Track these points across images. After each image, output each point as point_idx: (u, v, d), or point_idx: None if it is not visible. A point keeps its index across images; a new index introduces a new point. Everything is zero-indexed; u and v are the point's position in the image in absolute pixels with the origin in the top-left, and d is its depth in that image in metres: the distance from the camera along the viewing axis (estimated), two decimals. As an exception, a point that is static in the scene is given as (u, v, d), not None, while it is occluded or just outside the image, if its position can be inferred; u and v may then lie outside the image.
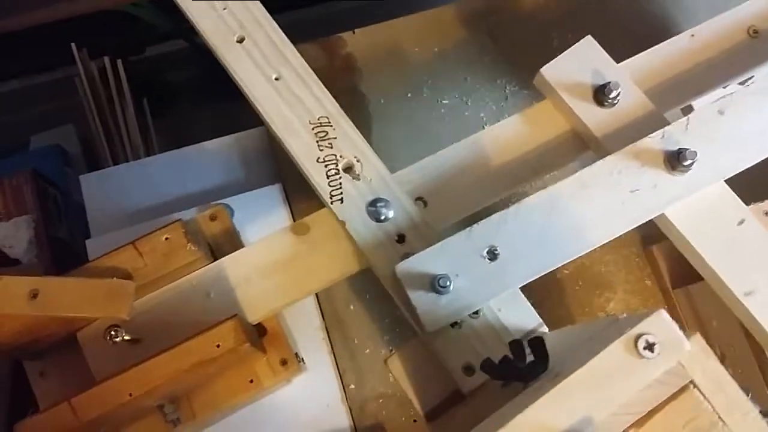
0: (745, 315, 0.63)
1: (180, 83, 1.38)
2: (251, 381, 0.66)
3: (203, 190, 0.87)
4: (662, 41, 0.74)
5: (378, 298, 0.81)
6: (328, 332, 0.81)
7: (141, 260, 0.59)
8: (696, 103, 0.77)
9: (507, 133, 0.71)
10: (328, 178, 0.66)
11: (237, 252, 0.67)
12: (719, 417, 0.41)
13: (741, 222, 0.64)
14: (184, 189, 0.87)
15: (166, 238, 0.60)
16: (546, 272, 0.60)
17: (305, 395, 0.77)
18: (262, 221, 0.82)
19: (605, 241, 0.62)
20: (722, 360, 0.78)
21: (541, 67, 0.71)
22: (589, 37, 0.72)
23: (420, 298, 0.58)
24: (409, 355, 0.61)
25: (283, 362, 0.67)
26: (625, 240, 0.85)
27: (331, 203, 0.66)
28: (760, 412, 0.48)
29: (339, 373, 0.80)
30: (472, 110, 0.90)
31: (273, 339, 0.68)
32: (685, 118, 0.65)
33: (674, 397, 0.41)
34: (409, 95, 0.92)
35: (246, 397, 0.66)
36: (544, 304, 0.80)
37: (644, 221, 0.63)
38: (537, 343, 0.46)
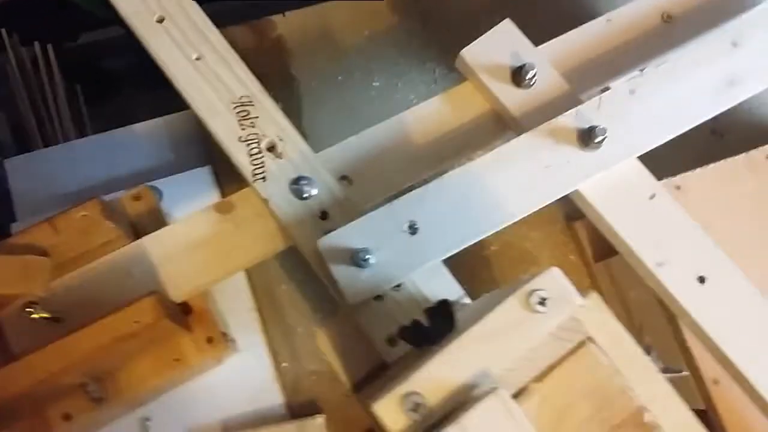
0: (657, 285, 0.65)
1: (118, 70, 1.36)
2: (177, 359, 0.66)
3: (132, 173, 0.86)
4: (583, 25, 0.77)
5: (309, 276, 0.81)
6: (260, 312, 0.82)
7: (57, 237, 0.59)
8: (613, 85, 0.80)
9: (430, 114, 0.72)
10: (250, 156, 0.67)
11: (159, 230, 0.66)
12: (617, 370, 0.43)
13: (652, 196, 0.67)
14: (113, 172, 0.86)
15: (83, 215, 0.60)
16: (465, 245, 0.62)
17: (238, 375, 0.78)
18: (192, 203, 0.81)
19: (521, 216, 0.64)
20: (640, 329, 0.82)
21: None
22: (507, 20, 0.74)
23: (341, 272, 0.59)
24: (336, 329, 0.62)
25: (209, 340, 0.68)
26: (549, 217, 0.87)
27: (254, 182, 0.66)
28: (662, 369, 0.50)
29: (272, 352, 0.81)
30: (403, 92, 0.92)
31: (199, 317, 0.68)
32: (598, 97, 0.67)
33: (572, 352, 0.43)
34: (341, 78, 0.92)
35: (172, 375, 0.66)
36: (473, 281, 0.82)
37: (559, 196, 0.65)
38: (443, 306, 0.48)
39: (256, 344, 0.79)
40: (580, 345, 0.43)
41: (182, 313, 0.67)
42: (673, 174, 0.78)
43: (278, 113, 0.69)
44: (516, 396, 0.41)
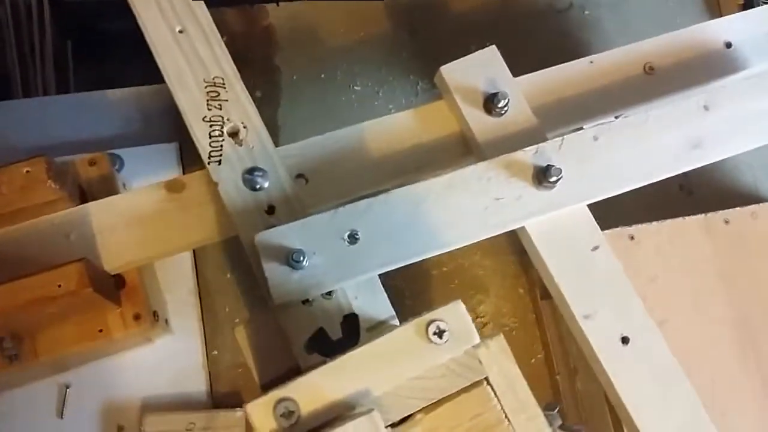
0: (579, 335, 0.66)
1: (112, 33, 1.36)
2: (100, 330, 0.66)
3: (98, 138, 0.86)
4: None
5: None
6: (200, 297, 0.82)
7: (-3, 189, 0.59)
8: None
9: (398, 126, 0.73)
10: (210, 138, 0.67)
11: (106, 199, 0.67)
12: (506, 416, 0.44)
13: (595, 248, 0.67)
14: (79, 134, 0.86)
15: (27, 171, 0.60)
16: (403, 264, 0.62)
17: (167, 356, 0.78)
18: (152, 177, 0.82)
19: (462, 244, 0.64)
20: (574, 372, 0.82)
21: None
22: (493, 47, 0.75)
23: (273, 270, 0.59)
24: (258, 326, 0.62)
25: (137, 317, 0.68)
26: (505, 247, 0.88)
27: (209, 163, 0.66)
28: (559, 425, 0.51)
29: (205, 339, 0.81)
30: (382, 101, 0.93)
31: (130, 292, 0.68)
32: (561, 137, 0.68)
33: (467, 389, 0.43)
34: (323, 76, 0.93)
35: (94, 346, 0.66)
36: (417, 298, 0.83)
37: (504, 231, 0.66)
38: (351, 320, 0.48)
39: (190, 329, 0.80)
40: (476, 384, 0.43)
41: (114, 286, 0.67)
42: (632, 223, 0.78)
43: (248, 101, 0.69)
44: (398, 423, 0.41)
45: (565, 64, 0.77)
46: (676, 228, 0.77)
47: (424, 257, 0.63)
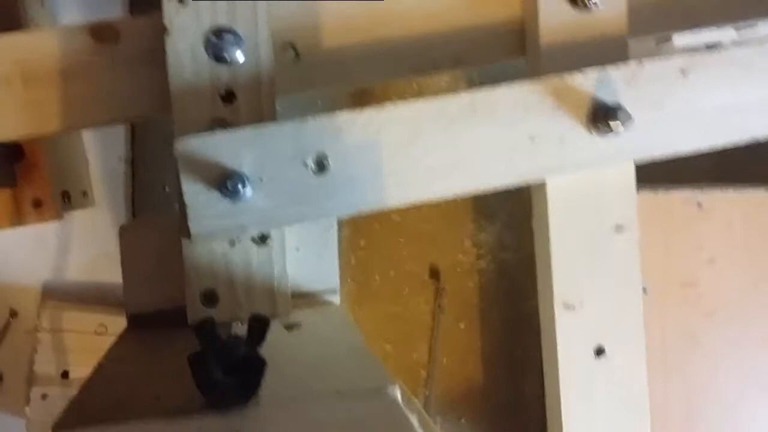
0: (546, 328, 0.56)
1: None
2: (-16, 213, 0.53)
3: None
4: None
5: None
6: (133, 165, 0.68)
7: None
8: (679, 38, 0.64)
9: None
10: None
11: (5, 35, 0.51)
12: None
13: (619, 228, 0.54)
14: None
15: None
16: (379, 209, 0.48)
17: (80, 234, 0.66)
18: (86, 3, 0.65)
19: (471, 193, 0.50)
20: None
21: None
22: None
23: (195, 195, 0.45)
24: (154, 234, 0.51)
25: (37, 203, 0.55)
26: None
27: None
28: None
29: (133, 213, 0.69)
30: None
31: (30, 169, 0.55)
32: (637, 62, 0.50)
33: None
34: None
35: (-28, 228, 0.54)
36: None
37: (527, 181, 0.51)
38: (259, 325, 0.35)
39: (113, 204, 0.67)
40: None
41: (7, 157, 0.54)
42: (695, 178, 0.64)
43: None
44: None
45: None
46: (758, 201, 0.62)
47: (412, 202, 0.49)
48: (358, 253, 0.73)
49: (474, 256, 0.74)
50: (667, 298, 0.64)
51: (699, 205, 0.61)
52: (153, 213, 0.67)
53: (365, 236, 0.73)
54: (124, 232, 0.52)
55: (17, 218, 0.55)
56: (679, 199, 0.61)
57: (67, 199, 0.59)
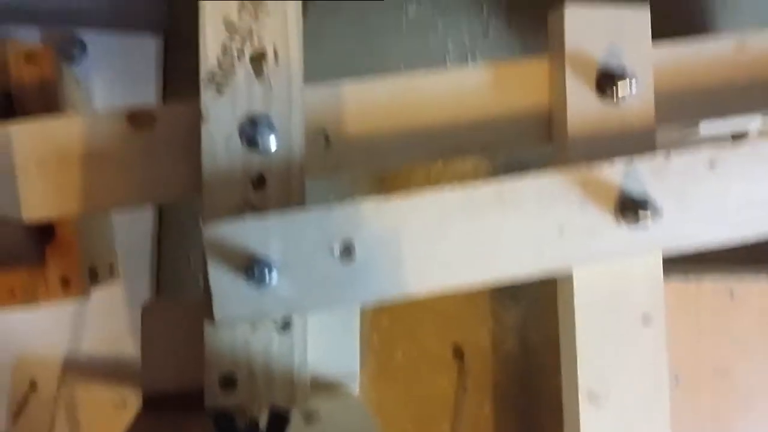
0: (570, 416, 0.54)
1: None
2: (12, 292, 0.54)
3: (59, 6, 0.69)
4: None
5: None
6: (159, 241, 0.70)
7: None
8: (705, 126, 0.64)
9: (469, 84, 0.56)
10: (223, 51, 0.50)
11: (38, 122, 0.52)
12: None
13: (647, 319, 0.53)
14: None
15: None
16: (404, 296, 0.48)
17: (103, 308, 0.67)
18: (121, 79, 0.68)
19: (499, 281, 0.50)
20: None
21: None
22: (646, 8, 0.55)
23: (222, 280, 0.45)
24: (174, 317, 0.51)
25: (65, 282, 0.55)
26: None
27: (204, 85, 0.50)
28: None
29: (158, 290, 0.70)
30: (440, 34, 0.74)
31: (60, 248, 0.55)
32: (664, 153, 0.51)
33: None
34: (370, -10, 0.74)
35: (2, 305, 0.55)
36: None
37: (557, 271, 0.51)
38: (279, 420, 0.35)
39: (138, 279, 0.68)
40: None
41: (39, 237, 0.55)
42: (727, 263, 0.63)
43: (297, 24, 0.51)
44: None
45: (707, 38, 0.58)
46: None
47: (436, 291, 0.49)
48: (381, 331, 0.73)
49: (498, 336, 0.74)
50: (699, 387, 0.63)
51: (731, 293, 0.61)
52: (176, 293, 0.68)
53: (388, 314, 0.73)
54: (146, 312, 0.52)
55: (45, 297, 0.55)
56: (710, 287, 0.60)
57: (94, 275, 0.60)
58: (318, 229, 0.47)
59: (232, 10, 0.50)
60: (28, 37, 0.64)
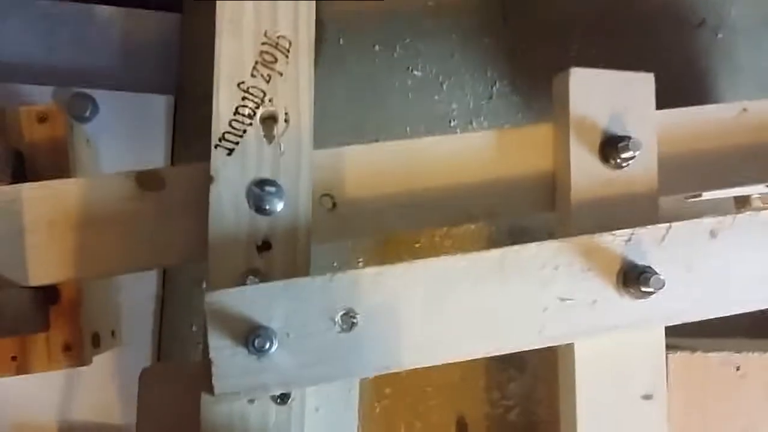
0: None
1: None
2: (13, 358, 0.54)
3: (72, 66, 0.72)
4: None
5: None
6: (163, 304, 0.70)
7: None
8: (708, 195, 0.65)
9: (474, 150, 0.57)
10: (236, 113, 0.51)
11: (48, 182, 0.53)
12: None
13: (647, 397, 0.52)
14: (48, 55, 0.72)
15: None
16: (407, 368, 0.48)
17: (102, 375, 0.66)
18: (130, 138, 0.69)
19: (499, 353, 0.50)
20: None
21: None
22: (650, 75, 0.56)
23: (222, 351, 0.45)
24: (172, 384, 0.51)
25: (67, 348, 0.55)
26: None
27: (216, 146, 0.50)
28: None
29: (159, 355, 0.70)
30: (446, 96, 0.76)
31: (63, 312, 0.56)
32: (665, 226, 0.51)
33: None
34: (377, 48, 0.77)
35: (1, 373, 0.55)
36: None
37: (556, 343, 0.51)
38: None
39: (139, 347, 0.68)
40: None
41: (43, 302, 0.55)
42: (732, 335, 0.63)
43: (308, 87, 0.53)
44: None
45: (710, 106, 0.60)
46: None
47: (439, 362, 0.49)
48: (383, 401, 0.73)
49: (503, 409, 0.73)
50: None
51: (737, 368, 0.60)
52: (176, 359, 0.68)
53: (390, 384, 0.73)
54: (144, 376, 0.52)
55: (47, 364, 0.54)
56: (716, 361, 0.60)
57: (97, 341, 0.60)
58: (320, 297, 0.47)
59: (246, 73, 0.51)
60: (40, 95, 0.67)
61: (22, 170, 0.56)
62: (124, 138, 0.69)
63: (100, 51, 0.73)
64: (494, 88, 0.77)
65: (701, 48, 0.79)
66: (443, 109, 0.76)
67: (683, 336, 0.67)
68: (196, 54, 0.71)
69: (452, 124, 0.76)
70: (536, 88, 0.75)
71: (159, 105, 0.71)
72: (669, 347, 0.61)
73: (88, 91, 0.68)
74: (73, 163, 0.60)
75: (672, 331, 0.62)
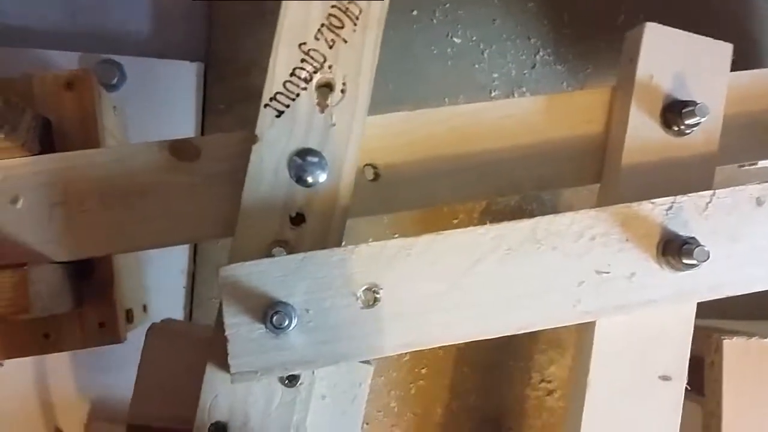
0: None
1: None
2: (46, 336, 0.55)
3: (97, 32, 0.72)
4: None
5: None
6: (194, 277, 0.71)
7: None
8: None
9: (524, 116, 0.56)
10: (292, 74, 0.50)
11: (77, 153, 0.52)
12: None
13: (665, 378, 0.51)
14: (73, 20, 0.71)
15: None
16: (431, 346, 0.48)
17: (132, 351, 0.68)
18: (158, 106, 0.69)
19: (531, 329, 0.49)
20: None
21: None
22: (729, 46, 0.55)
23: (238, 328, 0.45)
24: (179, 345, 0.51)
25: (101, 325, 0.56)
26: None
27: (265, 105, 0.50)
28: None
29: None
30: (487, 65, 0.75)
31: (98, 289, 0.56)
32: (708, 193, 0.50)
33: None
34: (415, 13, 0.76)
35: (34, 352, 0.56)
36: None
37: (593, 319, 0.50)
38: None
39: (172, 314, 0.69)
40: None
41: (76, 277, 0.55)
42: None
43: (372, 59, 0.52)
44: None
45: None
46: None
47: (466, 340, 0.48)
48: (419, 382, 0.72)
49: (543, 392, 0.72)
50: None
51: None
52: (188, 322, 0.69)
53: (427, 363, 0.72)
54: (151, 332, 0.51)
55: (82, 341, 0.55)
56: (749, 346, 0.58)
57: (131, 317, 0.60)
58: (341, 271, 0.46)
59: (310, 34, 0.50)
60: (66, 62, 0.67)
61: (50, 140, 0.56)
62: (151, 107, 0.69)
63: (126, 15, 0.72)
64: (537, 56, 0.76)
65: (759, 16, 0.77)
66: (484, 79, 0.75)
67: (737, 319, 0.65)
68: (228, 19, 0.71)
69: (493, 94, 0.75)
70: (582, 57, 0.74)
71: (188, 72, 0.71)
72: (721, 332, 0.59)
73: (115, 57, 0.68)
74: (102, 133, 0.59)
75: (724, 314, 0.60)
